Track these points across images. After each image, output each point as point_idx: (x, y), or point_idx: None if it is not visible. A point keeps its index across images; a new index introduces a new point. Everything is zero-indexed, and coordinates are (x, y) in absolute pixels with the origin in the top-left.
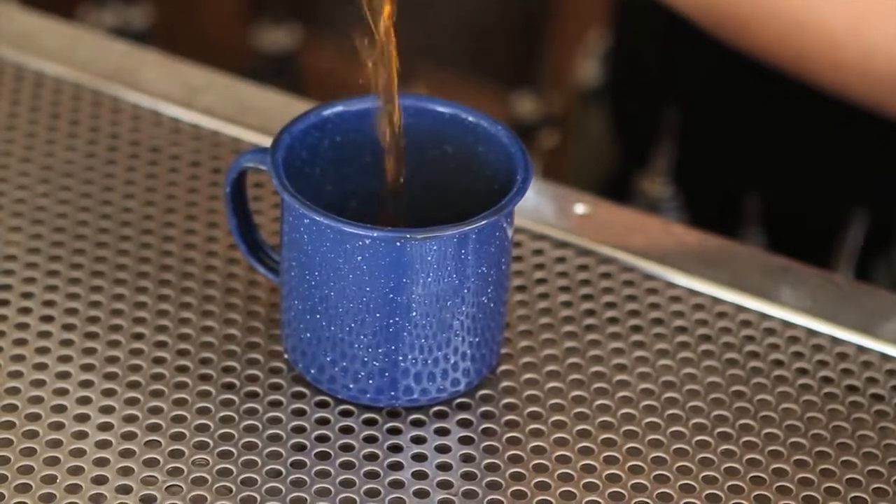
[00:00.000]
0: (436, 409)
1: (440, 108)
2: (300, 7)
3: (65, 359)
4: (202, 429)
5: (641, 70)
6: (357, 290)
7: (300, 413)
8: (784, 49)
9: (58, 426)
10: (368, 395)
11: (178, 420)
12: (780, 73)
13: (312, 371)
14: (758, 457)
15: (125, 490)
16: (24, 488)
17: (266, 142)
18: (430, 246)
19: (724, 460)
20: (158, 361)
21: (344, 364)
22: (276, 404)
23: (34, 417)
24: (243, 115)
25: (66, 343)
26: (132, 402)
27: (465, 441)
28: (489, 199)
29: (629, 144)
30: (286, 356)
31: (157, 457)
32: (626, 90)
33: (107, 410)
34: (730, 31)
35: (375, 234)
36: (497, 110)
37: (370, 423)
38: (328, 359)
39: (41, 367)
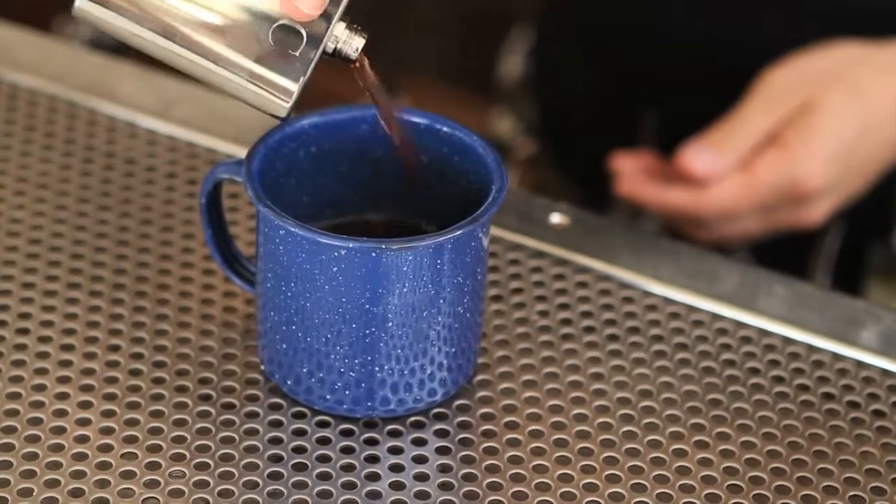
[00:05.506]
0: (412, 419)
1: (415, 119)
2: None
3: (41, 371)
4: (179, 440)
5: (564, 68)
6: (333, 300)
7: (277, 424)
8: None
9: (34, 439)
10: (345, 406)
11: (155, 432)
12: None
13: (289, 382)
14: (735, 465)
15: (102, 503)
16: None
17: (242, 153)
18: (405, 256)
19: (701, 469)
20: (135, 373)
21: (320, 375)
22: (252, 415)
23: (10, 430)
24: (219, 127)
25: (43, 355)
26: (109, 414)
27: (442, 451)
28: (465, 210)
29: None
30: (263, 367)
31: (134, 469)
32: (549, 87)
33: (83, 423)
34: None
35: (351, 245)
36: (483, 122)
37: (347, 433)
38: (304, 370)
39: (17, 379)
